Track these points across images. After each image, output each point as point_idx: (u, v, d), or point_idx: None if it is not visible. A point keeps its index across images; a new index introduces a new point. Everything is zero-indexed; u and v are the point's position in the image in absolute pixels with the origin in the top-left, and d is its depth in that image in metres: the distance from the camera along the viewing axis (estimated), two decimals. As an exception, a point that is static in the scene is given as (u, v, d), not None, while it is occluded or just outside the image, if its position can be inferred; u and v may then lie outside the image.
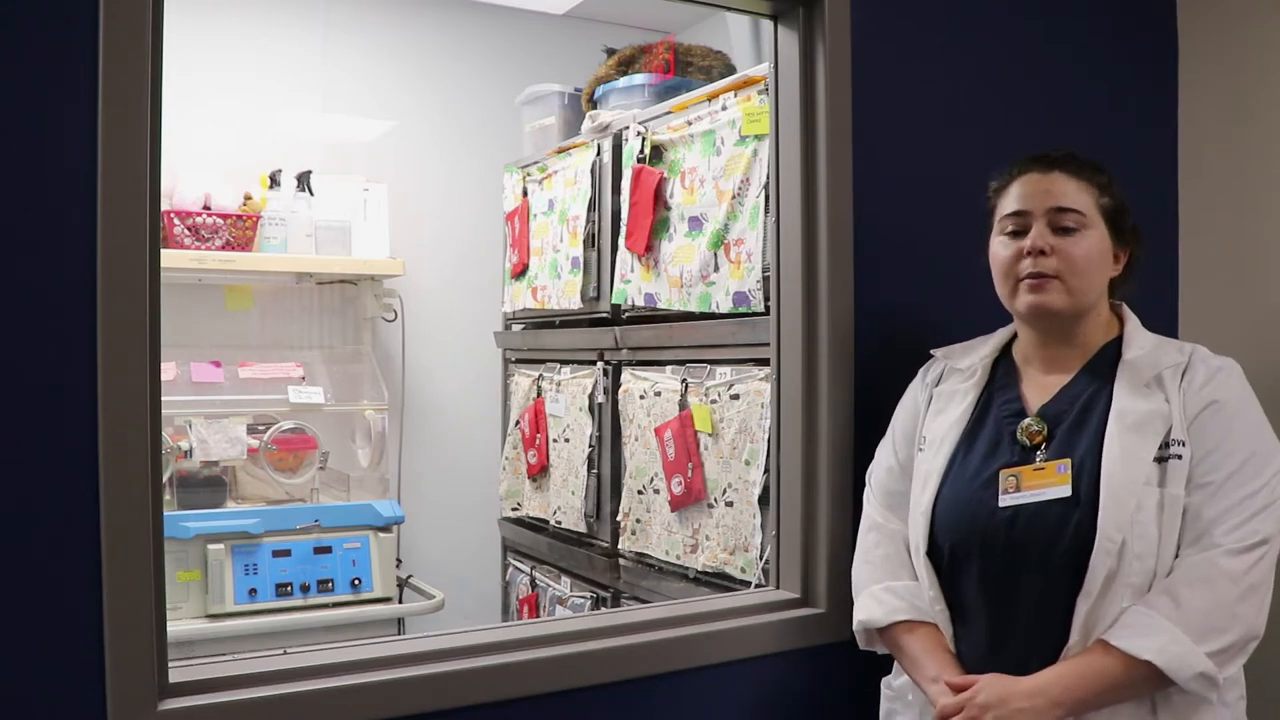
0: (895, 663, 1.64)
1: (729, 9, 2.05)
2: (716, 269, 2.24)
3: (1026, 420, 1.52)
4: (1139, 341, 1.52)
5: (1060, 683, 1.36)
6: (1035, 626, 1.42)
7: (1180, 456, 1.41)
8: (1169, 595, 1.35)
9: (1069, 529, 1.41)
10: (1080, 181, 1.52)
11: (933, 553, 1.53)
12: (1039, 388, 1.56)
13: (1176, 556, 1.39)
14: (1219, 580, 1.34)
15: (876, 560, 1.63)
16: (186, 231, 2.98)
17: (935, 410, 1.64)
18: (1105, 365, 1.52)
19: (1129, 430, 1.42)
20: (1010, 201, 1.55)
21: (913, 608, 1.55)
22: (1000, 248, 1.56)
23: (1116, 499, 1.39)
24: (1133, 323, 1.57)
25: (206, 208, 3.02)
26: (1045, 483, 1.45)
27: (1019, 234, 1.53)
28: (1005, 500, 1.46)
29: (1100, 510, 1.39)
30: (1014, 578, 1.44)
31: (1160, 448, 1.41)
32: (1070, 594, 1.40)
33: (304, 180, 3.19)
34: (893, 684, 1.65)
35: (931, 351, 1.72)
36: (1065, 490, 1.43)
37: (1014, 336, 1.64)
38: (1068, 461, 1.45)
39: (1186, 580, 1.35)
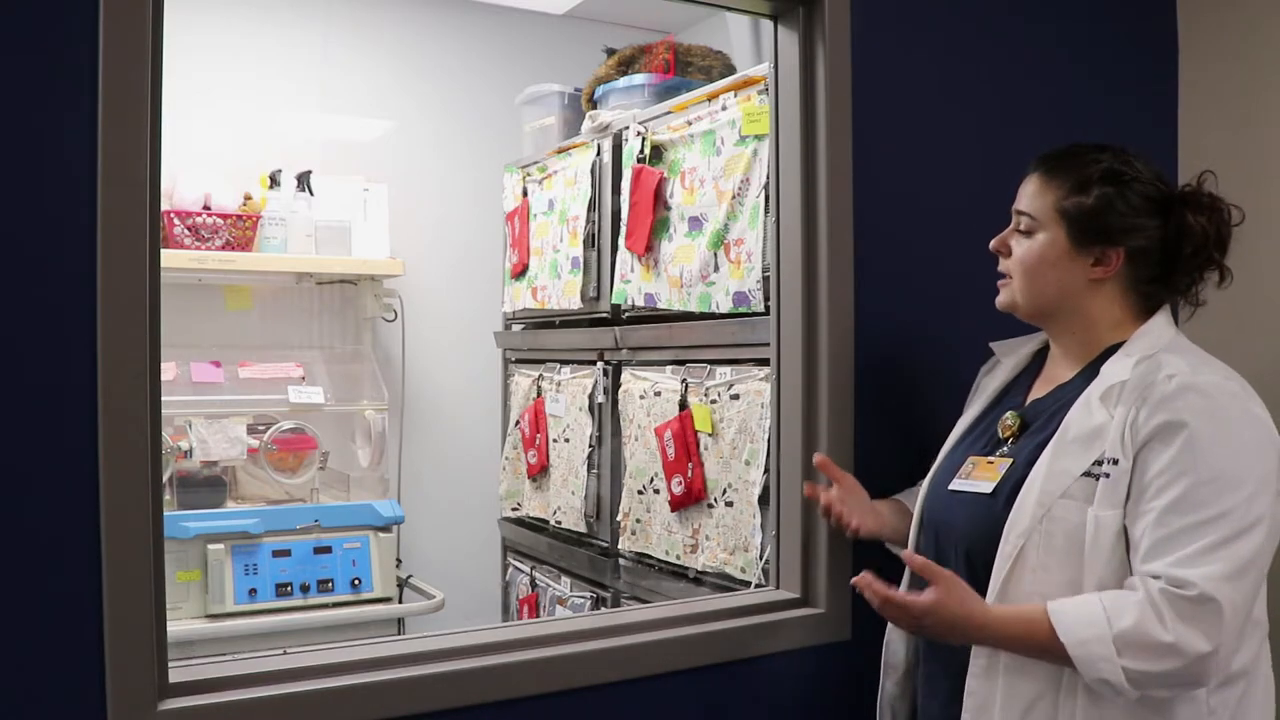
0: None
1: (729, 9, 2.05)
2: (716, 269, 2.24)
3: (1006, 414, 1.56)
4: (1127, 350, 1.45)
5: (997, 620, 1.37)
6: None
7: (1109, 475, 1.35)
8: (1122, 601, 1.30)
9: (979, 525, 1.45)
10: (1051, 181, 1.49)
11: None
12: (1045, 383, 1.58)
13: (1131, 575, 1.34)
14: (1165, 622, 1.26)
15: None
16: (186, 231, 2.98)
17: (972, 401, 1.71)
18: (1097, 370, 1.50)
19: (1069, 441, 1.41)
20: None
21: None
22: None
23: (1026, 506, 1.40)
24: (1141, 329, 1.48)
25: (206, 208, 3.02)
26: (983, 476, 1.49)
27: None
28: (952, 484, 1.54)
29: (1010, 514, 1.41)
30: (943, 561, 1.46)
31: (1094, 464, 1.37)
32: (980, 586, 1.42)
33: (304, 180, 3.19)
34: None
35: (990, 344, 1.74)
36: (988, 487, 1.46)
37: None
38: (1009, 461, 1.48)
39: (1143, 597, 1.28)
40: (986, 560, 1.43)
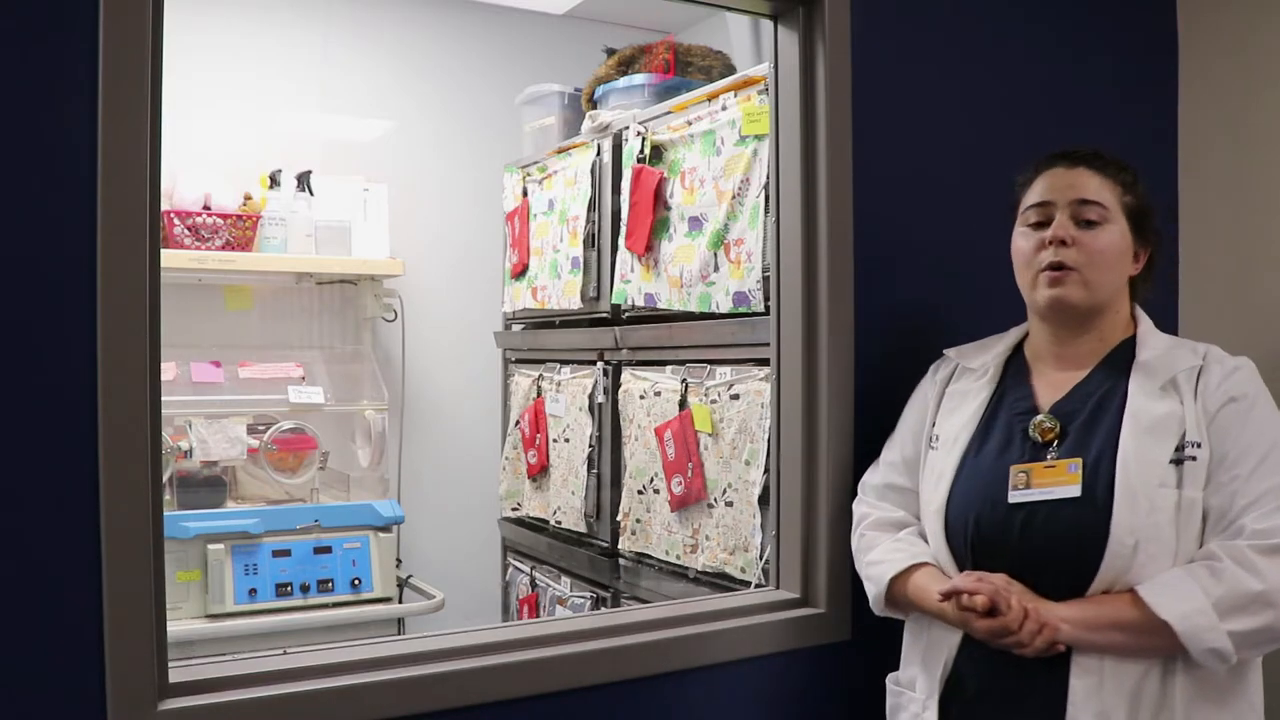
0: (902, 657, 1.65)
1: (729, 9, 2.05)
2: (716, 269, 2.24)
3: (1039, 417, 1.53)
4: (1153, 343, 1.53)
5: (1078, 612, 1.40)
6: None
7: (1196, 458, 1.41)
8: (1209, 568, 1.36)
9: (1081, 529, 1.41)
10: (1104, 178, 1.53)
11: (949, 549, 1.54)
12: (1051, 384, 1.57)
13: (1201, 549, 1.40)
14: (1256, 570, 1.34)
15: (870, 533, 1.67)
16: (186, 231, 2.98)
17: (948, 409, 1.65)
18: (1120, 364, 1.52)
19: (1144, 432, 1.43)
20: (1034, 194, 1.56)
21: (914, 556, 1.57)
22: (1022, 239, 1.57)
23: (1131, 502, 1.39)
24: (1146, 324, 1.58)
25: (206, 208, 3.02)
26: (1055, 481, 1.46)
27: (1042, 225, 1.54)
28: (1014, 497, 1.47)
29: (1114, 513, 1.39)
30: (1023, 574, 1.44)
31: (1176, 450, 1.42)
32: (1078, 592, 1.41)
33: (304, 180, 3.19)
34: (900, 679, 1.65)
35: (944, 351, 1.73)
36: (1075, 490, 1.43)
37: (1026, 335, 1.65)
38: (1079, 461, 1.45)
39: (1227, 559, 1.35)
40: (1085, 563, 1.41)
